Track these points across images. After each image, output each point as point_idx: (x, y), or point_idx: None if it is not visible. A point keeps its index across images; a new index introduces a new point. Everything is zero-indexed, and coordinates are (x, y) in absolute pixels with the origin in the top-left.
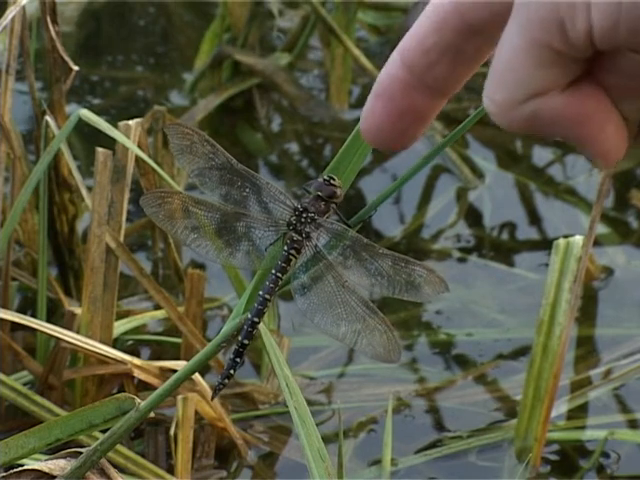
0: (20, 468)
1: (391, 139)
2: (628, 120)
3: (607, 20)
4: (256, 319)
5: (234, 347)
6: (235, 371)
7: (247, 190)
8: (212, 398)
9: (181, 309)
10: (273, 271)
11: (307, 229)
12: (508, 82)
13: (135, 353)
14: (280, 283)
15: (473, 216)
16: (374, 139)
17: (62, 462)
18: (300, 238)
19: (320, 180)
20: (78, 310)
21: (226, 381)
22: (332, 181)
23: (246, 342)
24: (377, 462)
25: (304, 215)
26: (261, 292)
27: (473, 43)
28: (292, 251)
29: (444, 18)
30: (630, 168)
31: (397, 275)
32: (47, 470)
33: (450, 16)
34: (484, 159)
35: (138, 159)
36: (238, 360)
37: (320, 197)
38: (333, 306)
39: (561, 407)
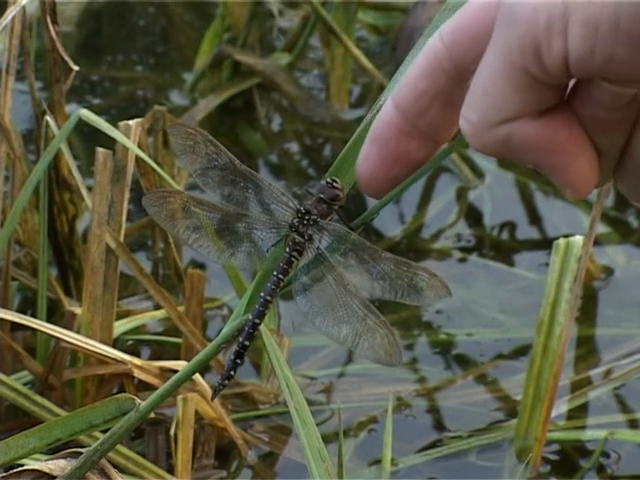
0: (20, 468)
1: (384, 185)
2: (603, 153)
3: (583, 46)
4: (257, 320)
5: (234, 348)
6: (235, 372)
7: (249, 191)
8: (212, 399)
9: (181, 309)
10: (275, 273)
11: (309, 231)
12: (483, 104)
13: (135, 353)
14: (281, 285)
15: (473, 216)
16: (368, 185)
17: (62, 462)
18: (302, 240)
19: (323, 182)
20: (78, 310)
21: (226, 382)
22: (335, 184)
23: (247, 343)
24: (377, 462)
25: (306, 217)
26: (262, 293)
27: (464, 86)
28: (294, 253)
29: (435, 62)
30: None
31: (399, 279)
32: (47, 470)
33: (441, 59)
34: (484, 159)
35: (138, 159)
36: (239, 361)
37: (322, 199)
38: (335, 309)
39: (561, 407)
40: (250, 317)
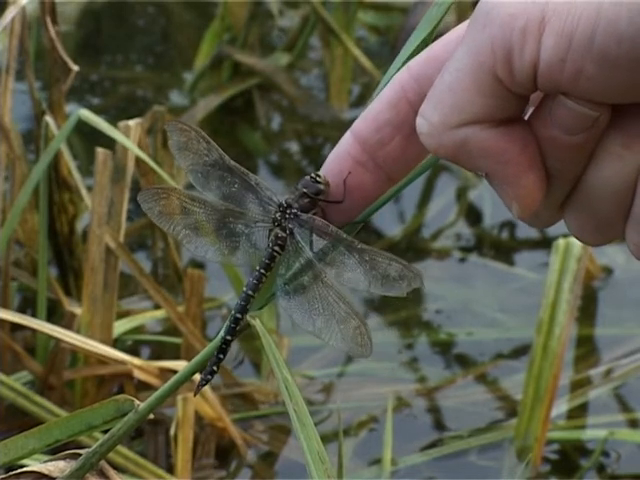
0: (19, 470)
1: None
2: (554, 180)
3: (555, 55)
4: (239, 315)
5: (217, 343)
6: (218, 368)
7: (236, 186)
8: (195, 394)
9: (181, 309)
10: (257, 267)
11: (290, 225)
12: (445, 104)
13: (135, 353)
14: (264, 280)
15: (473, 215)
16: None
17: (61, 464)
18: (284, 234)
19: (307, 177)
20: (78, 310)
21: (209, 377)
22: (318, 178)
23: (229, 338)
24: (377, 461)
25: (288, 211)
26: (245, 288)
27: None
28: (276, 247)
29: (401, 92)
30: None
31: (373, 269)
32: (46, 472)
33: (407, 90)
34: None
35: (138, 159)
36: (221, 356)
37: (305, 194)
38: (311, 301)
39: (561, 407)
40: (232, 312)
